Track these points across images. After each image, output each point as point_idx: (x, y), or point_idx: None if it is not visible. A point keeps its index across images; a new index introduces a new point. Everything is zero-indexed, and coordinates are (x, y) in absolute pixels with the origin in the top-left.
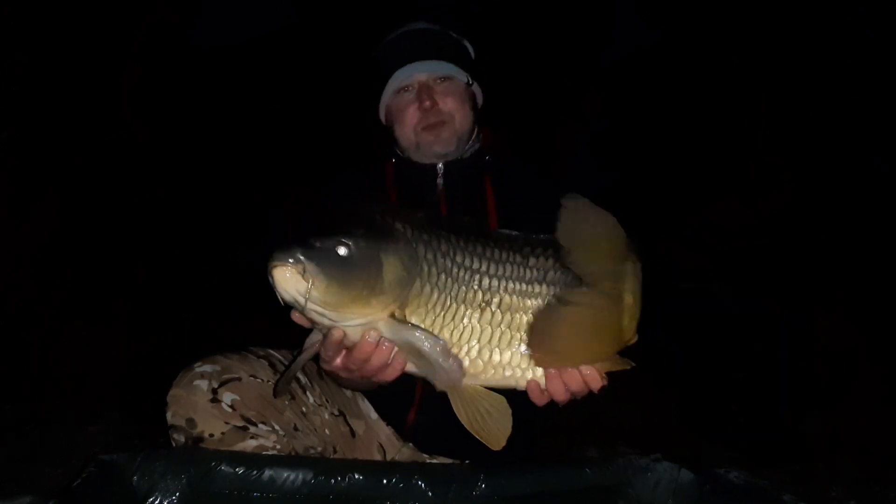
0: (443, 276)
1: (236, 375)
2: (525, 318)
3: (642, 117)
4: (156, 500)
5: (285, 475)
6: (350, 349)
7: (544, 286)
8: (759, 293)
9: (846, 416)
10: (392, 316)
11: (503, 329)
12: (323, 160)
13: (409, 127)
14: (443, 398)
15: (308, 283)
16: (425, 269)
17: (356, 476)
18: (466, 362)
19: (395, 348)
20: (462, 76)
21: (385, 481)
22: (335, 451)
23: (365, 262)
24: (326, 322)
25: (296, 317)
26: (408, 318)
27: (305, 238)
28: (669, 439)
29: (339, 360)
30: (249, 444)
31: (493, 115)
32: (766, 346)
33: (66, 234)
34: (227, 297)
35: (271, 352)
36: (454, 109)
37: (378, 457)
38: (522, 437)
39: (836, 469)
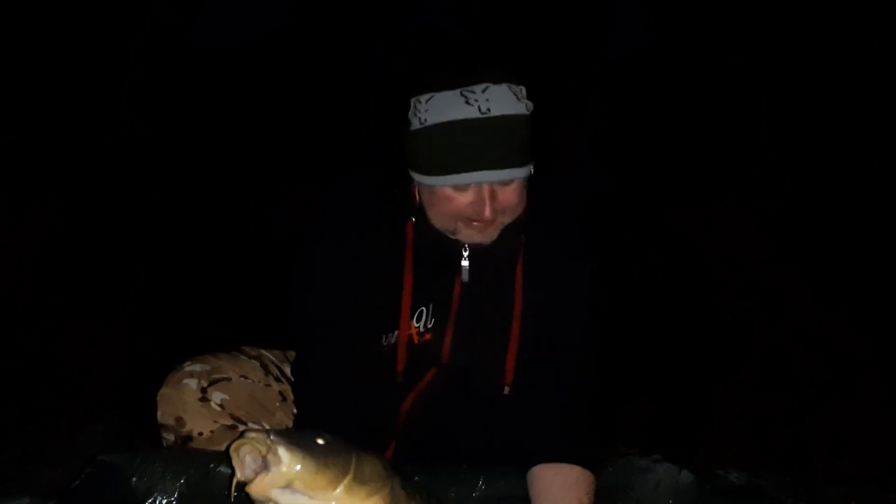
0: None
1: (226, 375)
2: None
3: (642, 117)
4: (155, 500)
5: None
6: None
7: None
8: (759, 293)
9: (846, 416)
10: None
11: None
12: (322, 160)
13: (450, 217)
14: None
15: (285, 461)
16: (409, 489)
17: None
18: None
19: None
20: (525, 173)
21: None
22: None
23: (341, 451)
24: None
25: None
26: None
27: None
28: (669, 440)
29: None
30: None
31: None
32: (766, 347)
33: (66, 235)
34: (226, 298)
35: (264, 352)
36: (509, 207)
37: None
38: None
39: (836, 469)
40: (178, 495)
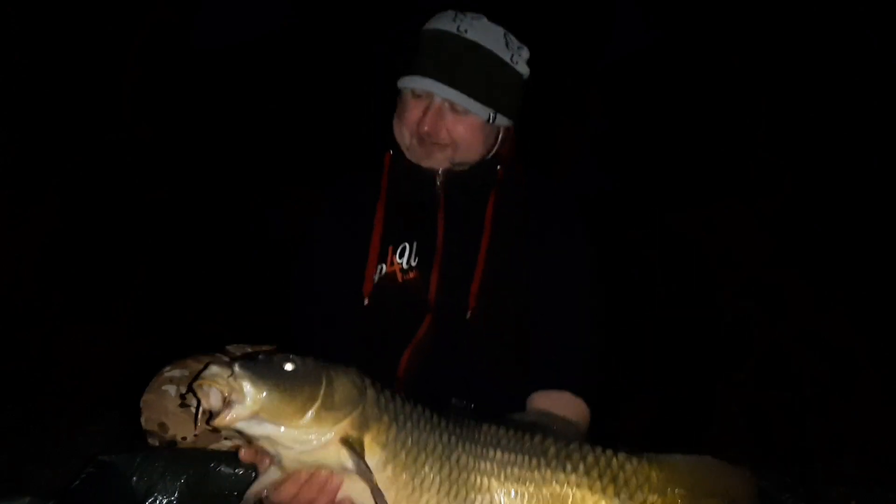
0: (402, 416)
1: None
2: (479, 480)
3: (642, 117)
4: (155, 500)
5: None
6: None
7: (498, 451)
8: (760, 293)
9: (846, 416)
10: (346, 440)
11: (460, 486)
12: (322, 160)
13: (405, 128)
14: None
15: (248, 395)
16: (382, 401)
17: None
18: None
19: (342, 489)
20: (483, 113)
21: None
22: None
23: (310, 376)
24: (277, 447)
25: (243, 454)
26: (368, 445)
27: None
28: (669, 440)
29: (289, 496)
30: (224, 445)
31: None
32: (767, 347)
33: (66, 235)
34: (226, 298)
35: (250, 351)
36: (460, 139)
37: None
38: None
39: (836, 469)
40: (178, 495)
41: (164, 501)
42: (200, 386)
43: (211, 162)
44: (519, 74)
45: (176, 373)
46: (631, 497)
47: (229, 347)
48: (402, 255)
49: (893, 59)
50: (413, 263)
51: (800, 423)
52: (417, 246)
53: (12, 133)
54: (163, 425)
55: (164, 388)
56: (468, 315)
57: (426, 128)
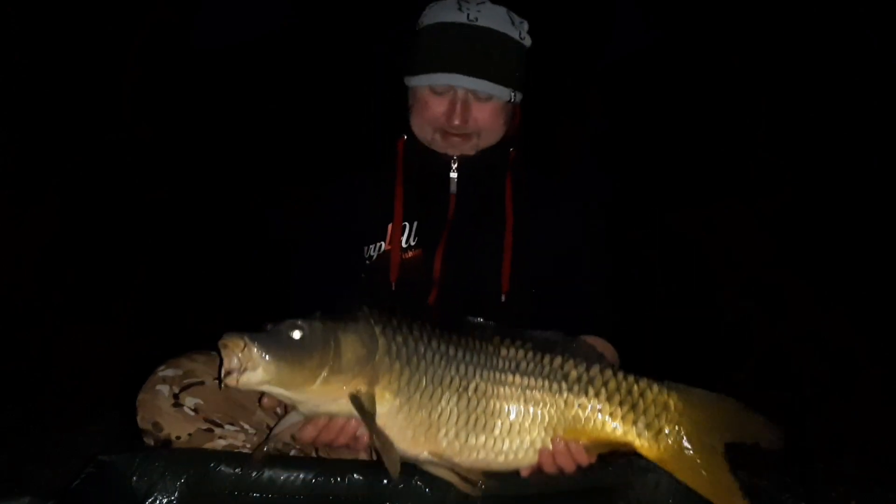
0: (415, 359)
1: (199, 379)
2: (498, 405)
3: (642, 117)
4: (155, 500)
5: (285, 475)
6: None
7: (517, 376)
8: (760, 293)
9: (846, 416)
10: (357, 394)
11: (479, 413)
12: (322, 160)
13: (428, 124)
14: None
15: (259, 365)
16: (394, 349)
17: (356, 476)
18: (444, 443)
19: (360, 429)
20: (505, 95)
21: (385, 481)
22: (317, 451)
23: (318, 343)
24: (293, 402)
25: (265, 402)
26: (379, 395)
27: (261, 327)
28: None
29: (310, 438)
30: (218, 444)
31: None
32: (767, 347)
33: (66, 235)
34: (226, 298)
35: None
36: (484, 126)
37: (364, 455)
38: None
39: (836, 469)
40: (178, 495)
41: (164, 501)
42: (223, 347)
43: (211, 162)
44: (526, 48)
45: (169, 372)
46: (648, 425)
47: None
48: (402, 233)
49: (893, 59)
50: (412, 242)
51: (800, 423)
52: (418, 225)
53: (12, 133)
54: (157, 425)
55: (157, 387)
56: (503, 298)
57: (457, 121)
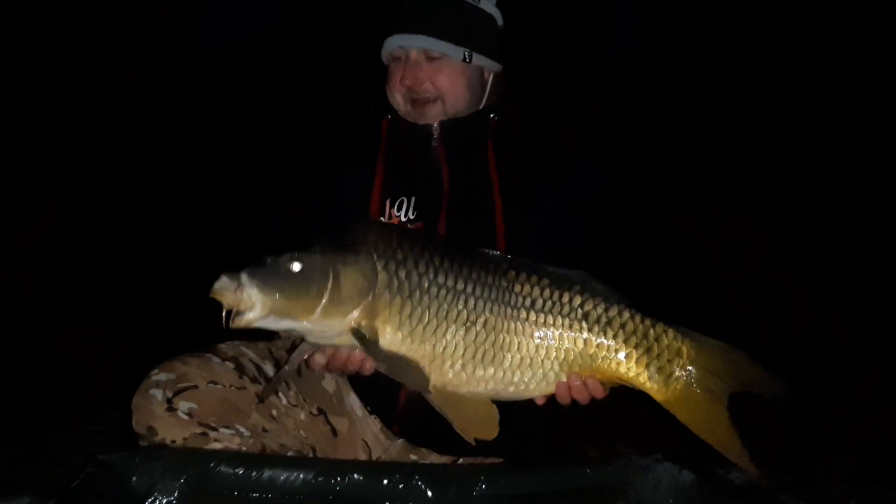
0: (417, 293)
1: (192, 383)
2: (510, 339)
3: (642, 117)
4: (155, 500)
5: (285, 475)
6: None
7: (532, 312)
8: (760, 293)
9: (846, 416)
10: (359, 327)
11: (487, 347)
12: (322, 160)
13: (397, 94)
14: None
15: (256, 301)
16: (395, 283)
17: (356, 476)
18: (450, 375)
19: (365, 359)
20: (458, 53)
21: (385, 481)
22: (314, 452)
23: (316, 274)
24: (300, 334)
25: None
26: (380, 328)
27: (260, 258)
28: (669, 439)
29: (320, 365)
30: (214, 447)
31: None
32: (766, 347)
33: (66, 234)
34: None
35: (244, 349)
36: (445, 89)
37: (363, 455)
38: (520, 430)
39: (836, 469)
40: (178, 495)
41: (164, 501)
42: (217, 296)
43: (211, 162)
44: (488, 14)
45: (162, 376)
46: (660, 369)
47: (222, 346)
48: (399, 209)
49: (893, 59)
50: (412, 216)
51: (800, 423)
52: (416, 199)
53: (12, 133)
54: (151, 429)
55: (150, 392)
56: None
57: (408, 81)
